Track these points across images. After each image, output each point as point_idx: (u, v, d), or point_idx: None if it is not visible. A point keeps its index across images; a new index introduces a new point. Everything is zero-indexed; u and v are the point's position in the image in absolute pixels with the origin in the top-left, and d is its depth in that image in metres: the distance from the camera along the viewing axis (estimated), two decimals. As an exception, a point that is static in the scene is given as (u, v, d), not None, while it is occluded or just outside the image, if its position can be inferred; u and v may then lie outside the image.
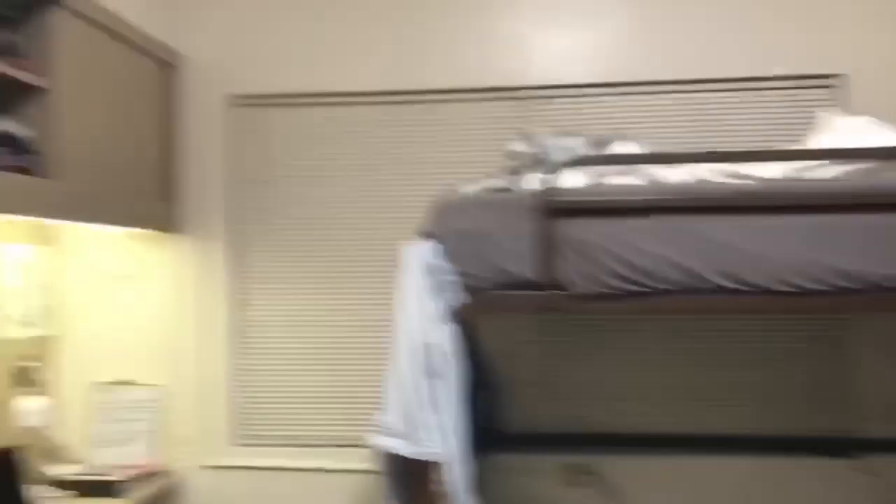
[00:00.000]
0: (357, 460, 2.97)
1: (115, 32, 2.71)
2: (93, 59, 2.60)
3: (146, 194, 2.99)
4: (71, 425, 3.11)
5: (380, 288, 2.98)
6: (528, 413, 2.91)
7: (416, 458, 1.98)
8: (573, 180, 2.11)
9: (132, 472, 2.89)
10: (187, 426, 3.09)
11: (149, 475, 2.96)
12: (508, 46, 3.04)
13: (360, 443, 2.97)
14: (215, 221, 3.15)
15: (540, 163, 2.19)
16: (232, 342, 3.11)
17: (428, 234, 2.11)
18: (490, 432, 2.62)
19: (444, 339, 2.03)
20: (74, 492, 2.77)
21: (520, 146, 2.36)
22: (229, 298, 3.12)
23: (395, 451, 2.00)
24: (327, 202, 3.12)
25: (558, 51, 3.02)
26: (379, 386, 2.91)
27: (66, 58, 2.42)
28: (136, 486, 2.85)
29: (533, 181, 2.10)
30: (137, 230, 3.05)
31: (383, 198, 3.08)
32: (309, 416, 3.08)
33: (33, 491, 2.66)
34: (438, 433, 2.01)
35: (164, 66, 3.07)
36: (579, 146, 2.34)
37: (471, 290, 2.06)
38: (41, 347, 3.04)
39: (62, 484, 2.78)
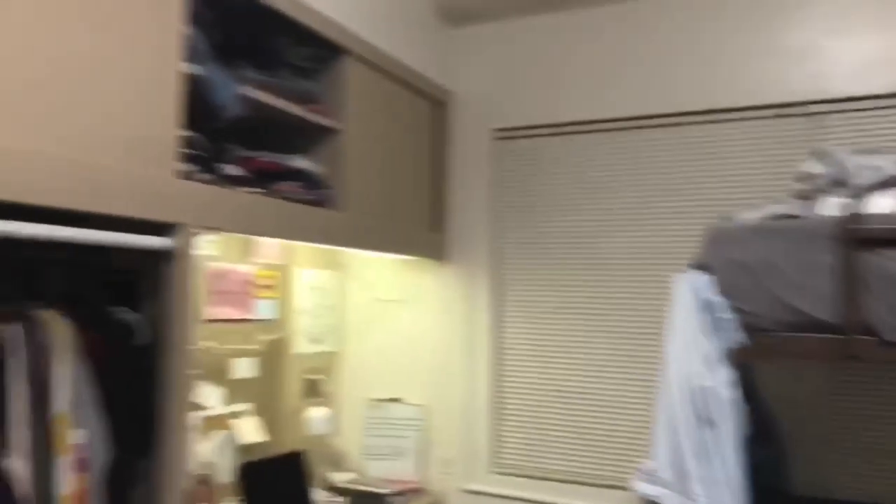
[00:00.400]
0: (616, 503, 2.83)
1: (394, 75, 2.94)
2: (375, 100, 2.84)
3: (419, 224, 3.18)
4: (348, 436, 3.39)
5: (647, 321, 2.83)
6: (816, 475, 2.52)
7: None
8: (883, 204, 1.79)
9: (399, 487, 3.05)
10: (449, 448, 3.19)
11: (413, 491, 3.10)
12: (796, 58, 2.72)
13: (620, 485, 2.85)
14: (480, 250, 3.25)
15: (840, 185, 1.90)
16: (494, 368, 3.16)
17: (700, 266, 1.93)
18: (773, 493, 2.31)
19: (720, 383, 1.83)
20: (349, 498, 2.99)
21: (815, 167, 2.08)
22: (492, 326, 3.18)
23: (659, 502, 1.84)
24: (590, 231, 3.05)
25: (854, 60, 2.63)
26: (643, 425, 2.75)
27: (353, 101, 2.68)
28: (402, 501, 3.00)
29: (831, 206, 1.82)
30: (411, 258, 3.26)
31: (653, 226, 2.92)
32: (567, 450, 3.00)
33: (316, 492, 2.93)
34: (710, 487, 1.81)
35: (435, 103, 3.26)
36: (889, 165, 1.98)
37: (750, 329, 1.84)
38: (327, 362, 3.36)
39: (339, 490, 3.03)
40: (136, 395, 1.78)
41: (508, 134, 3.24)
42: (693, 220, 2.67)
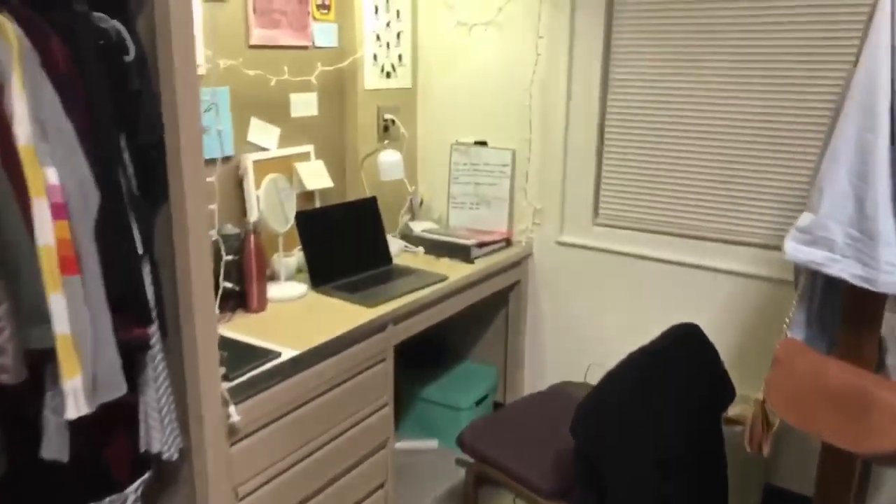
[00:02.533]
0: (742, 261, 2.39)
1: None
2: None
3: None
4: (428, 183, 3.03)
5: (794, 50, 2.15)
6: None
7: (855, 282, 1.32)
8: None
9: (484, 238, 2.72)
10: (542, 197, 2.77)
11: (500, 243, 2.77)
12: None
13: (743, 240, 2.39)
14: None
15: None
16: (599, 109, 2.60)
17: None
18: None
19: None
20: (425, 248, 2.71)
21: None
22: (600, 60, 2.55)
23: (819, 268, 1.36)
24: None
25: None
26: (770, 173, 2.22)
27: None
28: (486, 253, 2.69)
29: None
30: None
31: None
32: (677, 201, 2.52)
33: (391, 242, 2.65)
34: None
35: None
36: None
37: None
38: (401, 100, 2.90)
39: (416, 239, 2.74)
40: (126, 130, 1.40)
41: None
42: None
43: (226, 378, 1.67)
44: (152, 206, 1.52)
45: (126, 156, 1.46)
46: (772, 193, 2.33)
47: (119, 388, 1.42)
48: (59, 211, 1.26)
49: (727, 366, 1.92)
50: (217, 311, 1.60)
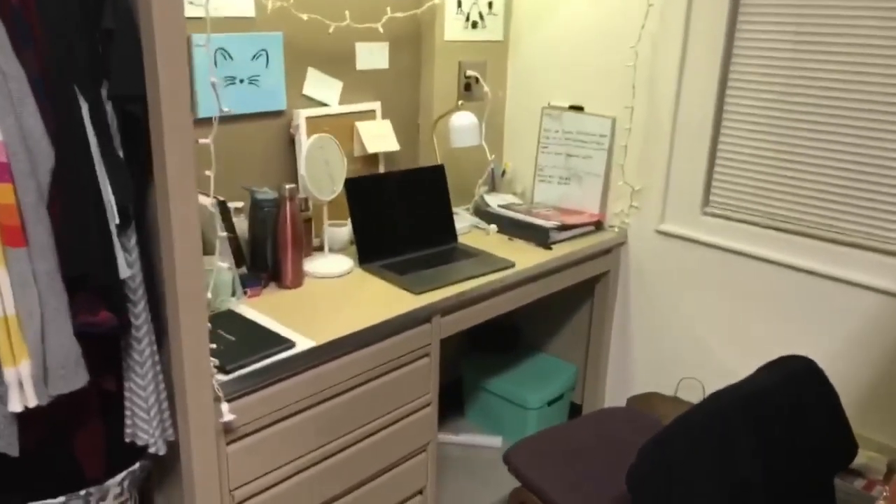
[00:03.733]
0: (891, 276, 1.89)
1: None
2: None
3: None
4: (513, 152, 2.68)
5: None
6: None
7: None
8: None
9: (571, 219, 2.35)
10: (643, 176, 2.35)
11: (588, 226, 2.39)
12: None
13: (885, 248, 1.88)
14: None
15: None
16: (724, 78, 2.13)
17: None
18: None
19: None
20: (499, 226, 2.37)
21: None
22: (728, 20, 2.07)
23: None
24: None
25: None
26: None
27: None
28: (569, 237, 2.32)
29: None
30: None
31: None
32: (819, 194, 2.02)
33: (459, 217, 2.34)
34: None
35: None
36: None
37: None
38: (487, 54, 2.55)
39: (490, 215, 2.41)
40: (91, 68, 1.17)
41: None
42: None
43: (222, 370, 1.45)
44: (139, 170, 1.30)
45: (109, 109, 1.24)
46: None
47: (76, 380, 1.22)
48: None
49: (850, 404, 1.48)
50: (208, 295, 1.37)
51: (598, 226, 2.44)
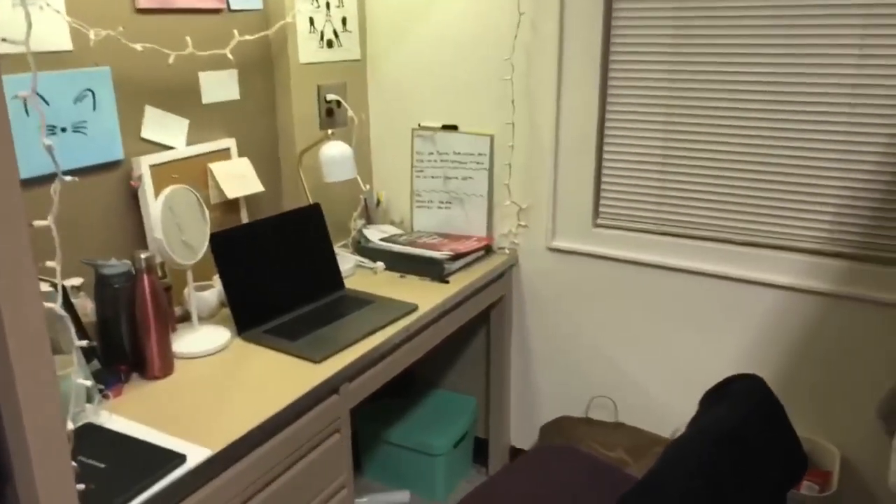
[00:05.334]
0: (786, 271, 1.90)
1: None
2: None
3: None
4: (385, 179, 2.46)
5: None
6: None
7: None
8: None
9: (459, 246, 2.17)
10: (528, 194, 2.23)
11: (478, 251, 2.23)
12: None
13: (797, 247, 1.89)
14: None
15: None
16: (604, 85, 2.05)
17: None
18: None
19: None
20: (385, 262, 2.15)
21: None
22: (604, 24, 2.00)
23: None
24: None
25: None
26: (831, 169, 1.71)
27: None
28: (463, 265, 2.15)
29: None
30: None
31: None
32: (710, 197, 2.01)
33: (341, 258, 2.09)
34: None
35: None
36: None
37: None
38: (347, 75, 2.31)
39: (374, 252, 2.18)
40: None
41: None
42: None
43: (97, 514, 1.10)
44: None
45: None
46: (826, 190, 1.84)
47: None
48: None
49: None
50: (70, 429, 1.03)
51: (488, 250, 2.29)
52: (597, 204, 2.17)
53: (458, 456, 2.46)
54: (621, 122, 2.06)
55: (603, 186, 2.15)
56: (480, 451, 2.56)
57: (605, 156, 2.11)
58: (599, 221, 2.17)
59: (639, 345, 2.16)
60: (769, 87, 1.84)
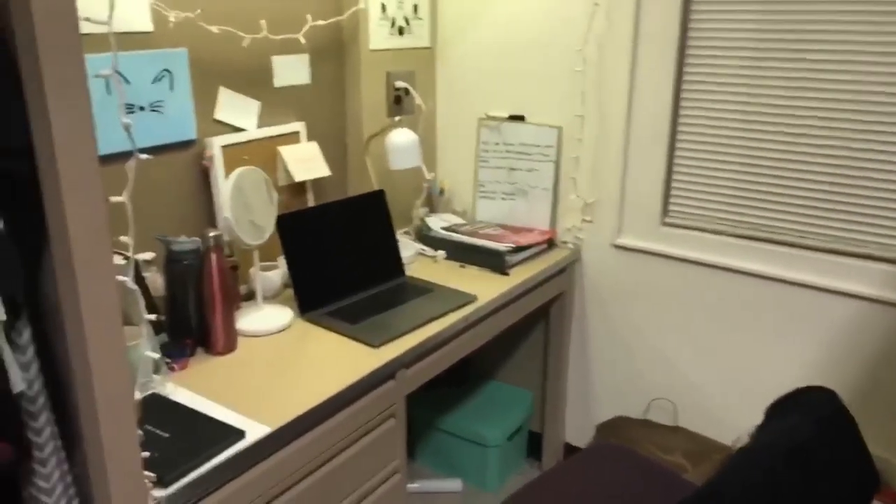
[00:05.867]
0: (866, 281, 1.80)
1: None
2: None
3: None
4: (450, 168, 2.46)
5: None
6: None
7: None
8: None
9: (520, 239, 2.15)
10: (595, 189, 2.19)
11: (541, 245, 2.20)
12: None
13: (879, 256, 1.79)
14: None
15: None
16: (678, 79, 1.99)
17: None
18: None
19: None
20: (447, 252, 2.15)
21: None
22: (681, 16, 1.94)
23: None
24: None
25: None
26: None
27: None
28: (524, 258, 2.13)
29: None
30: None
31: None
32: (787, 199, 1.92)
33: (403, 245, 2.09)
34: None
35: None
36: None
37: None
38: (416, 64, 2.31)
39: (435, 241, 2.18)
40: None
41: None
42: None
43: (160, 483, 1.14)
44: (27, 248, 0.97)
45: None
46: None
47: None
48: None
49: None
50: (137, 398, 1.06)
51: (550, 243, 2.26)
52: (666, 202, 2.11)
53: (512, 449, 2.44)
54: (696, 118, 1.99)
55: (673, 185, 2.08)
56: (535, 445, 2.54)
57: (677, 153, 2.05)
58: (668, 220, 2.11)
59: (702, 349, 2.10)
60: (859, 87, 1.74)
